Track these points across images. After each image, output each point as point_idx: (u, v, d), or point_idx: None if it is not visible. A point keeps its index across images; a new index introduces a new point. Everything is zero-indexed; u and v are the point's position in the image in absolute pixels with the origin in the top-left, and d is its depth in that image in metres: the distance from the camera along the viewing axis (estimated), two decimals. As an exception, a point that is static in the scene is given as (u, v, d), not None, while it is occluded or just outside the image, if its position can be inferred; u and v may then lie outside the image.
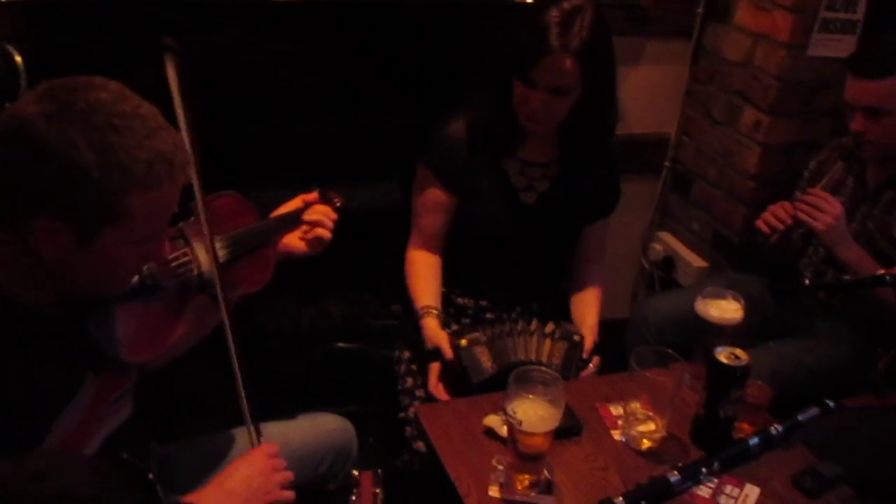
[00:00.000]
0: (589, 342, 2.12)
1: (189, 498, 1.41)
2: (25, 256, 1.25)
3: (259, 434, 1.57)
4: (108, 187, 1.20)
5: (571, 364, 2.03)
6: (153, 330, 1.46)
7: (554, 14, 1.88)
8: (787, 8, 2.69)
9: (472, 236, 2.20)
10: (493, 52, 2.01)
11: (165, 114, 1.31)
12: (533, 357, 2.01)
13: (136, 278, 1.41)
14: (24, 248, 1.24)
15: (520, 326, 2.07)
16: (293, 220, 1.80)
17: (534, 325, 2.09)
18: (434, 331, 2.07)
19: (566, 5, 1.89)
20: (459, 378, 2.00)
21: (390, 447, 2.20)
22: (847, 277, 2.05)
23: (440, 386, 2.02)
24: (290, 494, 1.50)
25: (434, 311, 2.12)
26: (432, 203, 2.18)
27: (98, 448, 1.42)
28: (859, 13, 2.72)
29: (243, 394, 1.53)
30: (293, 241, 1.80)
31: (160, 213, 1.30)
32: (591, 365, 2.09)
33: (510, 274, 2.23)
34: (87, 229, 1.23)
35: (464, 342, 2.00)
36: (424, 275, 2.20)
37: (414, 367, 2.20)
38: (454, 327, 2.17)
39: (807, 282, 2.06)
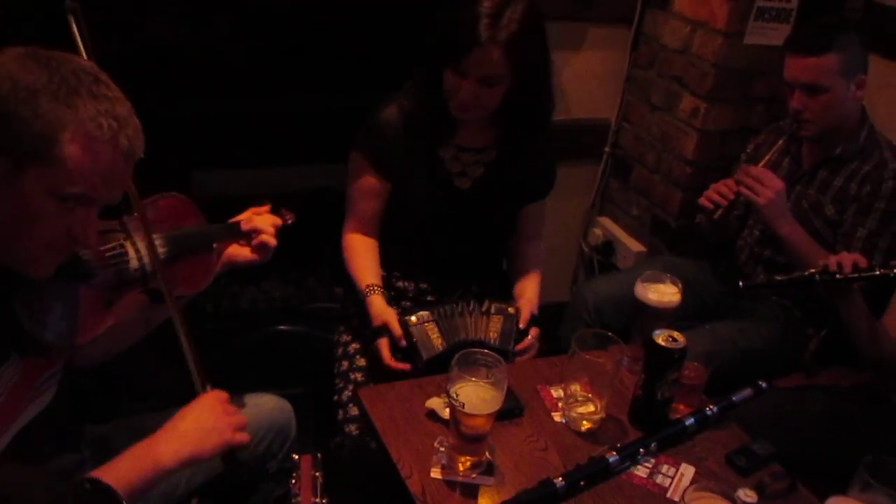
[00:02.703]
0: (525, 312, 2.14)
1: (143, 442, 1.40)
2: None
3: (208, 382, 1.56)
4: (46, 113, 1.19)
5: (509, 336, 2.06)
6: (81, 316, 1.44)
7: (483, 4, 1.87)
8: (724, -4, 2.73)
9: (408, 221, 2.20)
10: (425, 40, 2.01)
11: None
12: (472, 336, 2.04)
13: (68, 261, 1.38)
14: None
15: (460, 308, 2.09)
16: (239, 230, 1.79)
17: (472, 305, 2.11)
18: (381, 308, 2.08)
19: None
20: (406, 356, 2.01)
21: (329, 430, 2.20)
22: (779, 278, 2.09)
23: (394, 360, 2.02)
24: (244, 437, 1.49)
25: (379, 289, 2.12)
26: (367, 189, 2.18)
27: (22, 430, 1.39)
28: (793, 2, 2.78)
29: (189, 347, 1.53)
30: (238, 250, 1.79)
31: (92, 174, 1.24)
32: (529, 336, 2.11)
33: (448, 257, 2.24)
34: (14, 159, 1.20)
35: (413, 319, 2.02)
36: (364, 255, 2.20)
37: (351, 349, 2.20)
38: (399, 309, 2.17)
39: (741, 284, 2.11)
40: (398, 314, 2.06)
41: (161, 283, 1.53)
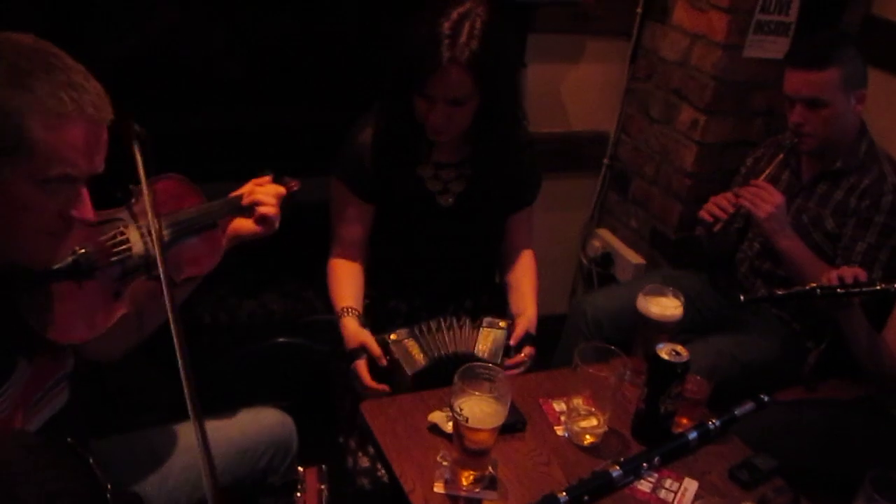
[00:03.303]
0: (520, 329, 2.10)
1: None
2: None
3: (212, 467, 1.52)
4: (5, 104, 1.16)
5: (498, 351, 2.03)
6: (89, 310, 1.42)
7: (444, 25, 1.85)
8: (723, 9, 2.74)
9: (395, 242, 2.19)
10: (389, 66, 1.99)
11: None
12: (461, 348, 2.01)
13: (70, 258, 1.37)
14: None
15: (446, 322, 2.07)
16: (241, 205, 1.75)
17: (462, 319, 2.09)
18: (356, 330, 2.04)
19: (454, 15, 1.87)
20: (388, 375, 1.98)
21: (329, 441, 2.18)
22: (779, 292, 2.08)
23: (373, 382, 2.00)
24: None
25: (354, 312, 2.08)
26: (350, 215, 2.16)
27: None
28: (792, 16, 2.79)
29: (188, 393, 1.49)
30: (243, 223, 1.75)
31: (68, 151, 1.21)
32: (521, 353, 2.07)
33: (439, 274, 2.23)
34: None
35: (393, 337, 2.00)
36: (345, 279, 2.17)
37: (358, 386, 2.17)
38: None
39: (742, 298, 2.10)
40: (375, 334, 2.03)
41: (161, 268, 1.46)
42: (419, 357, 1.97)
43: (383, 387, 1.98)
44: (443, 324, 2.06)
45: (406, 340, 2.00)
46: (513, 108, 2.11)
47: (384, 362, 1.99)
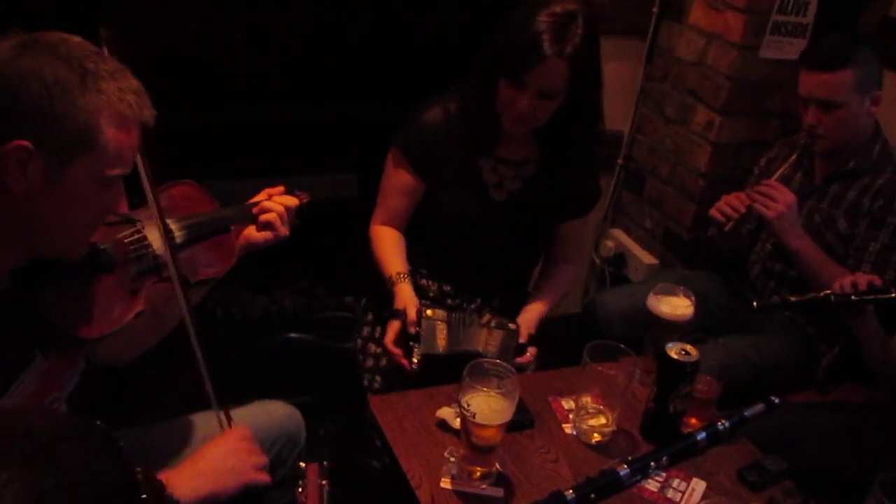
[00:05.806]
0: (523, 330, 2.11)
1: (159, 476, 1.40)
2: None
3: (229, 418, 1.57)
4: (83, 104, 1.20)
5: (508, 351, 2.03)
6: (108, 305, 1.44)
7: (547, 19, 1.88)
8: (740, 9, 2.73)
9: (439, 224, 2.21)
10: (483, 52, 2.00)
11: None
12: (473, 347, 2.02)
13: (90, 253, 1.40)
14: None
15: (479, 318, 2.08)
16: (252, 213, 1.78)
17: (485, 318, 2.10)
18: (408, 295, 2.09)
19: (559, 9, 1.89)
20: (408, 345, 2.00)
21: (337, 439, 2.18)
22: (793, 298, 2.07)
23: (393, 345, 2.03)
24: (265, 477, 1.49)
25: (407, 277, 2.13)
26: (401, 185, 2.19)
27: None
28: (809, 17, 2.77)
29: (207, 376, 1.53)
30: (252, 232, 1.78)
31: (128, 152, 1.29)
32: (527, 353, 2.08)
33: (475, 266, 2.24)
34: (59, 156, 1.22)
35: (429, 312, 2.01)
36: (392, 245, 2.21)
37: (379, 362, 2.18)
38: (424, 302, 2.16)
39: (755, 304, 2.10)
40: (419, 304, 2.06)
41: (172, 266, 1.52)
42: (441, 343, 1.98)
43: (398, 352, 2.02)
44: (470, 319, 2.07)
45: (438, 322, 2.01)
46: (594, 112, 2.13)
47: (413, 330, 2.00)
